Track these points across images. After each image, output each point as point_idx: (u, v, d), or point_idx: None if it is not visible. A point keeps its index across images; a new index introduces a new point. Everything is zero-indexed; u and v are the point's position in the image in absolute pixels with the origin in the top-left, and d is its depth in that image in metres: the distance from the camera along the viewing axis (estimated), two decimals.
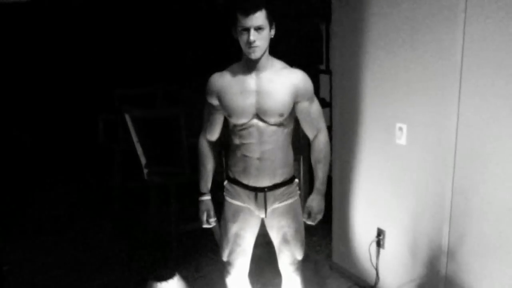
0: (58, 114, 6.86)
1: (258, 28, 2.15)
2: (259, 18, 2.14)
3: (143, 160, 4.03)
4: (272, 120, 2.31)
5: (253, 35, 2.14)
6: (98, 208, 5.26)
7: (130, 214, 4.99)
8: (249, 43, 2.16)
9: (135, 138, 3.96)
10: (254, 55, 2.21)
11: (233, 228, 2.57)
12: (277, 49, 2.36)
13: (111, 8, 6.54)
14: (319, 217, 2.51)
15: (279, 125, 2.35)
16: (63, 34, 6.63)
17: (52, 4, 6.24)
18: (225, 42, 2.88)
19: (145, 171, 4.04)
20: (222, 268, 2.74)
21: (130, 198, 5.21)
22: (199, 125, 2.59)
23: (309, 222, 2.54)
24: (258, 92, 2.29)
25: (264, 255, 3.23)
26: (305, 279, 2.80)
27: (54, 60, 6.71)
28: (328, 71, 4.67)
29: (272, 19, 2.21)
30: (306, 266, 2.86)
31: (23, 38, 6.48)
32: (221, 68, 2.43)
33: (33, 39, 6.53)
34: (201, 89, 2.48)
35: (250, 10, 2.12)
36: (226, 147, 2.62)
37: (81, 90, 6.81)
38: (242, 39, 2.19)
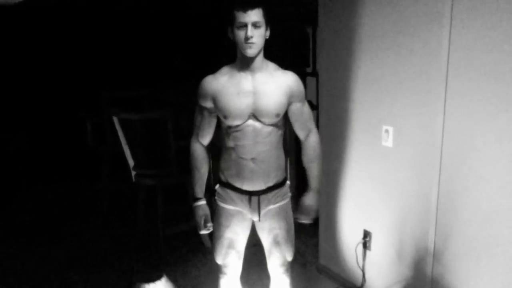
0: (46, 116, 6.79)
1: (256, 25, 2.14)
2: (257, 14, 2.14)
3: (131, 162, 4.00)
4: (268, 120, 2.30)
5: (250, 31, 2.14)
6: (86, 209, 5.19)
7: (118, 216, 4.93)
8: (247, 39, 2.15)
9: (123, 141, 3.93)
10: (251, 51, 2.19)
11: (227, 232, 2.54)
12: (264, 52, 2.33)
13: (99, 11, 6.49)
14: (316, 214, 2.52)
15: (274, 125, 2.34)
16: (51, 37, 6.57)
17: (41, 7, 6.17)
18: (213, 46, 2.85)
19: (133, 173, 4.01)
20: (216, 270, 2.70)
21: (118, 200, 5.17)
22: (187, 127, 2.56)
23: (305, 221, 2.53)
24: (255, 93, 2.27)
25: (252, 256, 3.20)
26: (292, 281, 2.77)
27: (42, 63, 6.64)
28: (314, 74, 4.65)
29: (268, 19, 2.21)
30: (292, 268, 2.83)
31: (11, 40, 6.40)
32: (208, 71, 2.39)
33: (21, 41, 6.45)
34: (189, 92, 2.44)
35: (249, 6, 2.12)
36: (216, 151, 2.59)
37: (69, 92, 6.75)
38: (239, 35, 2.17)
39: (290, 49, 4.88)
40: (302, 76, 4.81)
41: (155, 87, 5.69)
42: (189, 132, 2.55)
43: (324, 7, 3.20)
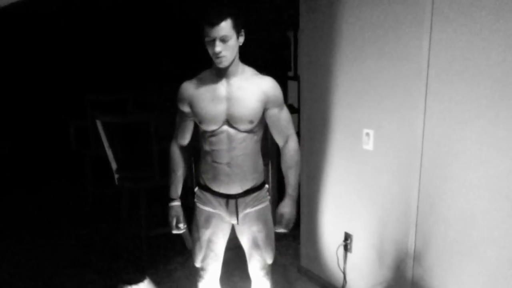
0: (29, 120, 6.71)
1: (224, 39, 2.07)
2: (225, 28, 2.05)
3: (114, 165, 3.95)
4: (242, 127, 2.23)
5: (218, 46, 2.07)
6: (70, 212, 5.10)
7: (102, 218, 4.85)
8: (216, 54, 2.09)
9: (106, 144, 3.88)
10: (222, 64, 2.14)
11: (206, 234, 2.49)
12: (245, 57, 2.28)
13: (83, 15, 6.42)
14: (292, 223, 2.41)
15: (249, 131, 2.27)
16: (34, 41, 6.49)
17: (24, 12, 6.08)
18: (197, 50, 2.80)
19: (116, 176, 3.95)
20: (194, 273, 2.64)
21: (102, 202, 5.10)
22: (169, 130, 2.52)
23: (281, 230, 2.41)
24: (229, 99, 2.21)
25: (233, 258, 3.16)
26: (273, 283, 2.72)
27: (26, 66, 6.56)
28: (296, 78, 4.63)
29: (239, 27, 2.13)
30: (274, 270, 2.79)
31: None
32: (193, 74, 2.34)
33: (4, 46, 6.36)
34: (172, 95, 2.41)
35: (215, 21, 2.04)
36: (196, 153, 2.55)
37: (52, 95, 6.67)
38: (210, 49, 2.12)
39: (271, 53, 4.86)
40: (284, 80, 4.80)
41: (138, 91, 5.64)
42: (171, 135, 2.51)
43: (305, 11, 3.16)
